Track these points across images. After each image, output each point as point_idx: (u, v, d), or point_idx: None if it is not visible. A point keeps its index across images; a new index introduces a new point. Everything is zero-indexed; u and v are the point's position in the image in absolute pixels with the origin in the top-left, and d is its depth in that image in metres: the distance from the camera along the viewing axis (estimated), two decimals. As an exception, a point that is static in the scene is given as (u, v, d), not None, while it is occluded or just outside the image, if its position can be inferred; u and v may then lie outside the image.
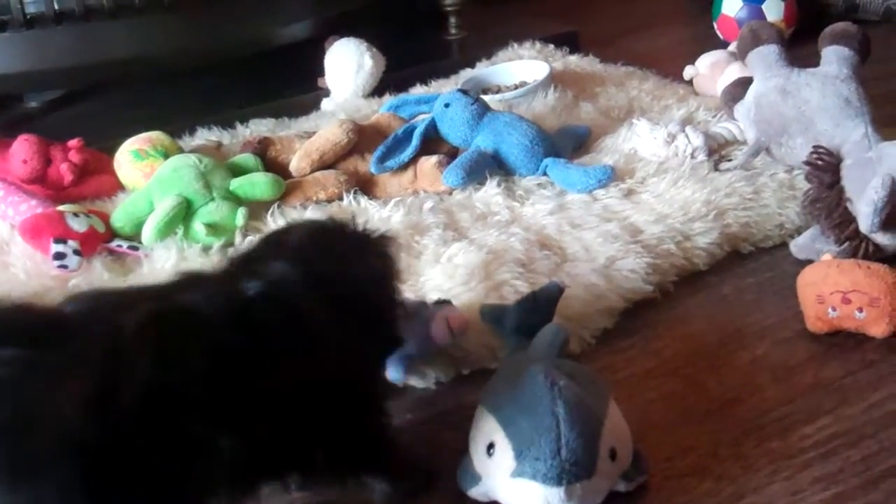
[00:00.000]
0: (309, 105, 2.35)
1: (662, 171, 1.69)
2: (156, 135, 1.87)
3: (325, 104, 2.35)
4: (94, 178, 1.89)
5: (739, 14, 2.47)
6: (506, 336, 1.29)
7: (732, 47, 2.19)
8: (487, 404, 1.05)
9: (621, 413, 1.09)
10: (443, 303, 1.29)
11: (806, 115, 1.59)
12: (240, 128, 2.21)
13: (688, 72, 2.20)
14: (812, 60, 1.68)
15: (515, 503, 1.01)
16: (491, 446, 1.02)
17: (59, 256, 1.55)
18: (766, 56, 1.67)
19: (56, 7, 2.16)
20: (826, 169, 1.47)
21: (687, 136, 1.74)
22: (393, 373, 1.28)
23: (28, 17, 2.14)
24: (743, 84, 1.75)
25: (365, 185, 1.77)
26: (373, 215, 1.66)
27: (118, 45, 2.25)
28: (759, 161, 1.68)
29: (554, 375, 1.03)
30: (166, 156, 1.81)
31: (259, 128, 2.20)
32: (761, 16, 2.42)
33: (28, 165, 1.83)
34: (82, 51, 2.22)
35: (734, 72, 2.01)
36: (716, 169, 1.68)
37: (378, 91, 2.34)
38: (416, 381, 1.29)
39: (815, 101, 1.58)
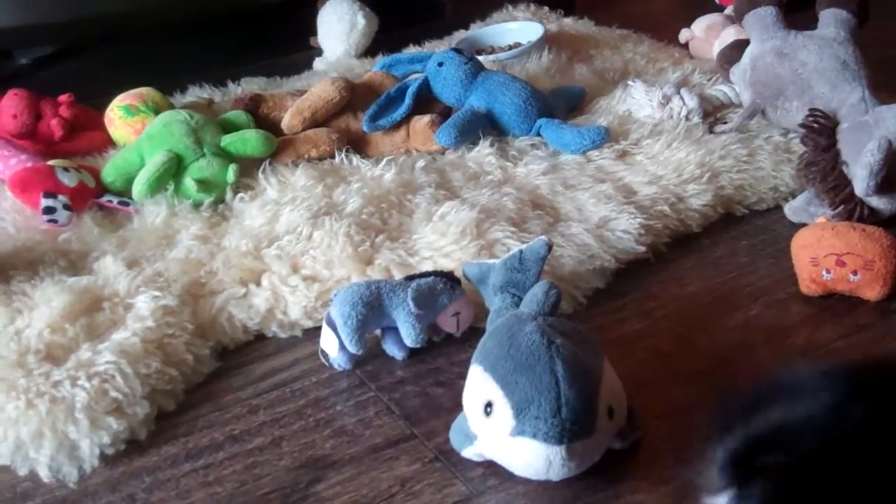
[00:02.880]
0: (301, 64, 2.33)
1: (657, 132, 1.68)
2: (147, 91, 1.85)
3: (318, 63, 2.33)
4: (85, 134, 1.87)
5: (736, -23, 2.44)
6: (489, 295, 1.28)
7: (729, 10, 2.18)
8: (483, 363, 1.05)
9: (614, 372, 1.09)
10: (454, 286, 1.28)
11: (802, 78, 1.58)
12: (231, 86, 2.19)
13: (683, 35, 2.18)
14: (808, 24, 1.67)
15: (514, 462, 1.01)
16: (488, 405, 1.01)
17: (49, 211, 1.54)
18: (763, 18, 1.66)
19: (46, -39, 2.13)
20: (822, 132, 1.46)
21: (682, 98, 1.73)
22: (393, 349, 1.28)
23: (18, -30, 2.11)
24: (739, 46, 1.74)
25: (357, 144, 1.76)
26: (365, 174, 1.64)
27: (107, 0, 2.22)
28: (754, 123, 1.67)
29: (550, 334, 1.02)
30: (157, 112, 1.79)
31: (251, 86, 2.17)
32: (758, -21, 2.40)
33: (18, 120, 1.81)
34: (73, 6, 2.20)
35: (730, 35, 2.00)
36: (710, 131, 1.68)
37: (371, 51, 2.32)
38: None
39: (812, 63, 1.57)
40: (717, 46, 2.02)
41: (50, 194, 1.56)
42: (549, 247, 1.26)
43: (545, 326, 1.05)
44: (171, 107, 1.84)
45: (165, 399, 1.22)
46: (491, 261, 1.32)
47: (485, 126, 1.72)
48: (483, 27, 2.36)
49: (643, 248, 1.43)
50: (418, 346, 1.26)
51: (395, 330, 1.28)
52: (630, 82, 1.82)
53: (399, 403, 1.20)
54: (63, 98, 1.87)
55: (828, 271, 1.28)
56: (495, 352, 1.05)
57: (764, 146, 1.62)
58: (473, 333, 1.29)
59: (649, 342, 1.27)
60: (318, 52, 2.36)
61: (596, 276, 1.38)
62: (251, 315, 1.35)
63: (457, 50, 1.82)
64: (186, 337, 1.30)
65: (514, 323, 1.08)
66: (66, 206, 1.56)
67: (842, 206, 1.41)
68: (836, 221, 1.35)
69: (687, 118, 1.71)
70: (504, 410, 1.00)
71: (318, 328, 1.33)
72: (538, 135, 1.71)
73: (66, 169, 1.62)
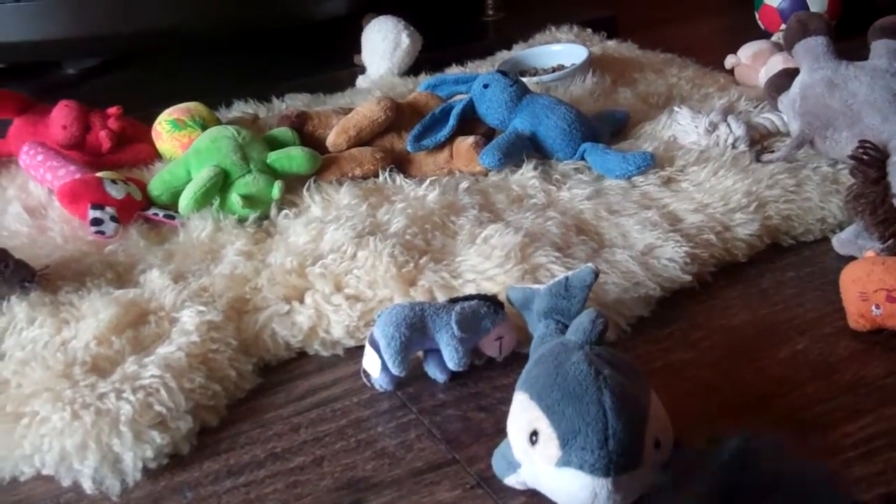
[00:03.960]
0: (344, 81, 2.34)
1: (703, 159, 1.67)
2: (194, 105, 1.87)
3: (361, 81, 2.34)
4: (132, 147, 1.89)
5: (782, 5, 2.43)
6: (532, 320, 1.28)
7: (776, 38, 2.17)
8: (528, 391, 1.04)
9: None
10: (497, 310, 1.27)
11: (853, 109, 1.56)
12: (275, 101, 2.20)
13: (729, 61, 2.17)
14: (856, 53, 1.66)
15: (559, 492, 1.00)
16: (534, 434, 1.00)
17: (97, 222, 1.55)
18: (814, 48, 1.65)
19: (99, -26, 2.16)
20: (872, 164, 1.44)
21: (728, 126, 1.72)
22: (435, 372, 1.29)
23: (71, -17, 2.14)
24: (788, 75, 1.73)
25: (400, 163, 1.76)
26: (408, 193, 1.65)
27: (158, 14, 2.24)
28: (801, 153, 1.65)
29: (598, 364, 1.02)
30: (204, 127, 1.81)
31: (295, 102, 2.19)
32: (804, 6, 2.39)
33: (67, 131, 1.83)
34: (122, 19, 2.21)
35: (777, 62, 1.99)
36: (757, 160, 1.66)
37: (413, 70, 2.33)
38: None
39: (862, 94, 1.56)
40: (764, 74, 2.01)
41: (98, 206, 1.57)
42: (596, 274, 1.25)
43: (592, 356, 1.04)
44: (218, 122, 1.86)
45: (208, 414, 1.23)
46: (535, 286, 1.31)
47: (528, 149, 1.72)
48: (526, 48, 2.37)
49: (689, 277, 1.42)
50: (461, 369, 1.26)
51: (438, 352, 1.28)
52: (676, 108, 1.81)
53: (440, 427, 1.20)
54: (112, 110, 1.89)
55: (877, 307, 1.26)
56: (541, 380, 1.05)
57: (812, 177, 1.60)
58: (516, 358, 1.29)
59: (694, 373, 1.26)
60: (361, 69, 2.37)
61: (640, 305, 1.37)
62: (294, 332, 1.36)
63: (502, 72, 1.82)
64: (230, 352, 1.30)
65: (560, 351, 1.08)
66: (113, 218, 1.57)
67: (891, 240, 1.40)
68: (886, 256, 1.34)
69: (733, 146, 1.70)
70: (550, 440, 0.99)
71: (360, 347, 1.33)
72: (582, 159, 1.71)
73: (114, 181, 1.63)
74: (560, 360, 1.05)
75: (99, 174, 1.66)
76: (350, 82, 2.34)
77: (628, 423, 0.98)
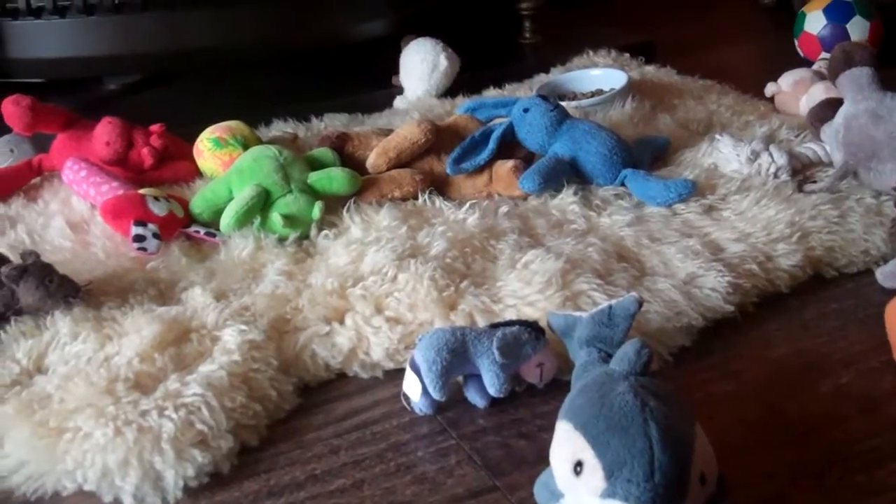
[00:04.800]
0: (382, 102, 2.36)
1: (745, 188, 1.67)
2: (236, 124, 1.89)
3: (399, 102, 2.35)
4: (173, 164, 1.91)
5: (822, 32, 2.43)
6: (574, 348, 1.27)
7: (817, 66, 2.16)
8: (572, 420, 1.03)
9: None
10: (538, 336, 1.27)
11: (898, 141, 1.56)
12: (314, 121, 2.22)
13: (769, 89, 2.17)
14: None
15: (604, 524, 1.00)
16: (578, 465, 1.00)
17: (139, 239, 1.56)
18: (859, 78, 1.64)
19: (145, -7, 2.18)
20: (917, 197, 1.44)
21: (771, 155, 1.72)
22: (475, 397, 1.28)
23: (116, 1, 2.16)
24: (831, 105, 1.73)
25: (439, 186, 1.77)
26: (448, 216, 1.65)
27: (200, 33, 2.27)
28: (845, 184, 1.65)
29: (643, 395, 1.01)
30: (245, 146, 1.82)
31: (333, 122, 2.20)
32: (846, 35, 2.38)
33: (110, 147, 1.85)
34: (165, 37, 2.24)
35: (818, 91, 1.98)
36: (800, 190, 1.65)
37: (451, 92, 2.34)
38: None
39: (908, 126, 1.55)
40: (805, 102, 2.00)
41: (140, 223, 1.58)
42: (640, 304, 1.25)
43: (638, 387, 1.04)
44: (259, 141, 1.87)
45: (249, 434, 1.23)
46: (577, 313, 1.31)
47: (568, 174, 1.72)
48: (565, 72, 2.37)
49: (731, 308, 1.41)
50: (502, 395, 1.25)
51: (478, 377, 1.27)
52: (717, 135, 1.81)
53: (481, 453, 1.20)
54: (155, 128, 1.91)
55: (923, 342, 1.25)
56: (586, 410, 1.04)
57: (855, 208, 1.59)
58: (556, 385, 1.28)
59: (736, 406, 1.25)
60: (399, 90, 2.38)
61: (682, 334, 1.36)
62: (334, 354, 1.36)
63: (542, 97, 1.82)
64: (271, 372, 1.31)
65: (605, 381, 1.07)
66: (155, 235, 1.58)
67: (937, 274, 1.39)
68: (931, 290, 1.33)
69: (775, 175, 1.69)
70: (595, 471, 0.98)
71: (400, 370, 1.33)
72: (622, 185, 1.71)
73: (156, 198, 1.64)
74: (605, 391, 1.05)
75: (141, 191, 1.68)
76: (388, 103, 2.35)
77: (674, 455, 0.98)
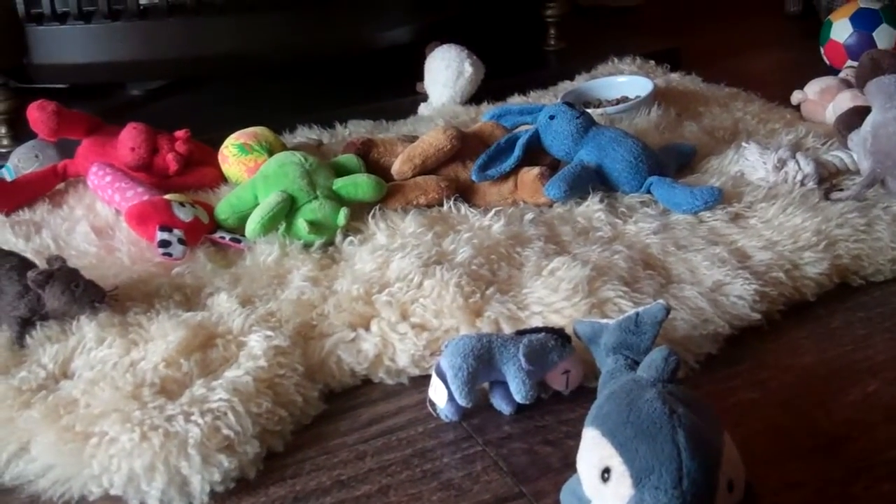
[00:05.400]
0: (406, 109, 2.36)
1: (771, 196, 1.66)
2: (261, 130, 1.89)
3: (423, 109, 2.35)
4: (198, 170, 1.91)
5: (849, 40, 2.42)
6: (600, 355, 1.27)
7: (843, 74, 2.15)
8: (600, 427, 1.03)
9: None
10: (564, 343, 1.27)
11: (926, 149, 1.54)
12: (339, 127, 2.22)
13: (796, 97, 2.16)
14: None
15: (632, 531, 0.99)
16: (606, 471, 0.99)
17: (164, 244, 1.57)
18: (887, 86, 1.63)
19: (169, -1, 2.19)
20: (946, 205, 1.43)
21: (797, 163, 1.71)
22: (501, 403, 1.28)
23: (141, 7, 2.17)
24: (858, 113, 1.72)
25: (465, 193, 1.77)
26: (473, 223, 1.65)
27: (224, 39, 2.27)
28: (872, 192, 1.64)
29: (671, 402, 1.01)
30: (270, 152, 1.83)
31: (357, 129, 2.21)
32: (872, 43, 2.37)
33: (135, 153, 1.86)
34: (190, 43, 2.25)
35: (845, 99, 1.97)
36: (826, 198, 1.65)
37: (476, 98, 2.34)
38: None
39: (937, 135, 1.54)
40: (831, 110, 1.99)
41: (166, 228, 1.59)
42: (667, 311, 1.24)
43: (665, 394, 1.03)
44: (284, 147, 1.88)
45: (274, 439, 1.23)
46: (603, 320, 1.31)
47: (594, 181, 1.72)
48: (589, 79, 2.37)
49: (758, 316, 1.40)
50: (528, 402, 1.25)
51: (504, 384, 1.27)
52: (744, 143, 1.80)
53: (507, 460, 1.19)
54: (179, 133, 1.92)
55: (953, 351, 1.24)
56: (614, 417, 1.03)
57: (882, 216, 1.58)
58: (582, 392, 1.28)
59: (763, 413, 1.24)
60: (424, 97, 2.39)
61: (709, 342, 1.36)
62: (359, 360, 1.36)
63: (568, 104, 1.82)
64: (297, 378, 1.31)
65: (632, 388, 1.06)
66: (180, 241, 1.58)
67: (966, 283, 1.38)
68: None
69: (802, 183, 1.68)
70: (623, 478, 0.98)
71: (425, 377, 1.33)
72: (648, 192, 1.70)
73: (181, 204, 1.65)
74: (633, 398, 1.04)
75: (167, 196, 1.68)
76: (412, 110, 2.36)
77: (702, 463, 0.97)
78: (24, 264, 1.44)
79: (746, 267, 1.48)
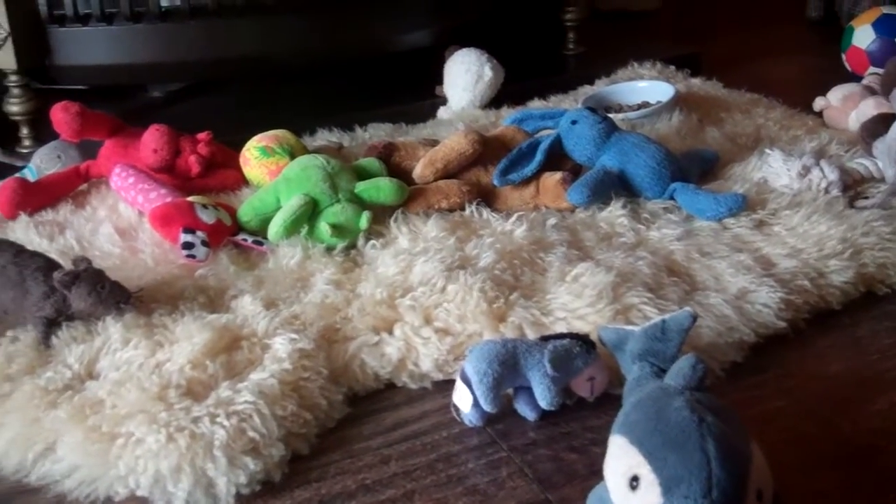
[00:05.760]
0: (425, 112, 2.36)
1: (795, 203, 1.66)
2: (282, 133, 1.89)
3: (442, 112, 2.35)
4: (219, 172, 1.91)
5: (871, 47, 2.41)
6: (626, 362, 1.27)
7: (866, 81, 2.15)
8: (628, 435, 1.03)
9: (759, 452, 1.06)
10: (590, 350, 1.27)
11: (953, 157, 1.54)
12: (358, 131, 2.22)
13: (818, 103, 2.15)
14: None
15: (662, 539, 0.99)
16: (634, 479, 0.99)
17: (188, 246, 1.57)
18: (913, 93, 1.62)
19: (190, 1, 2.19)
20: (973, 214, 1.42)
21: (822, 170, 1.70)
22: (525, 409, 1.28)
23: (163, 9, 2.18)
24: (883, 120, 1.71)
25: (486, 197, 1.76)
26: (495, 228, 1.65)
27: (245, 42, 2.28)
28: (897, 200, 1.63)
29: (700, 410, 1.00)
30: (292, 155, 1.83)
31: (377, 132, 2.21)
32: (894, 49, 2.35)
33: (158, 155, 1.86)
34: (210, 45, 2.25)
35: (869, 107, 1.96)
36: (851, 206, 1.64)
37: (495, 102, 2.34)
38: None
39: (963, 143, 1.54)
40: (855, 117, 1.98)
41: (189, 230, 1.59)
42: (694, 319, 1.23)
43: (694, 402, 1.03)
44: (306, 150, 1.88)
45: (299, 442, 1.23)
46: (628, 327, 1.30)
47: (617, 187, 1.71)
48: (610, 84, 2.36)
49: (783, 324, 1.40)
50: (553, 408, 1.25)
51: (528, 390, 1.27)
52: (767, 150, 1.80)
53: (532, 466, 1.19)
54: (202, 136, 1.92)
55: (982, 361, 1.23)
56: (642, 425, 1.03)
57: (908, 224, 1.58)
58: (607, 399, 1.28)
59: (790, 422, 1.24)
60: (443, 100, 2.39)
61: (734, 350, 1.35)
62: (383, 364, 1.36)
63: (591, 109, 1.82)
64: (321, 381, 1.31)
65: (660, 396, 1.06)
66: (204, 243, 1.59)
67: None
68: None
69: (826, 191, 1.68)
70: (652, 486, 0.97)
71: (448, 381, 1.33)
72: (671, 198, 1.70)
73: (204, 206, 1.65)
74: (661, 405, 1.04)
75: (190, 198, 1.68)
76: (431, 113, 2.36)
77: (732, 472, 0.97)
78: (49, 265, 1.44)
79: (771, 275, 1.47)
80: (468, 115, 2.28)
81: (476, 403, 1.24)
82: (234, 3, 2.21)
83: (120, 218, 1.79)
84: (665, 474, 0.97)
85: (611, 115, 1.99)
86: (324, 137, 2.17)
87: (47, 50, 2.21)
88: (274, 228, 1.62)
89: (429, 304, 1.42)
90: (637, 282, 1.45)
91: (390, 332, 1.40)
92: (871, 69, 2.35)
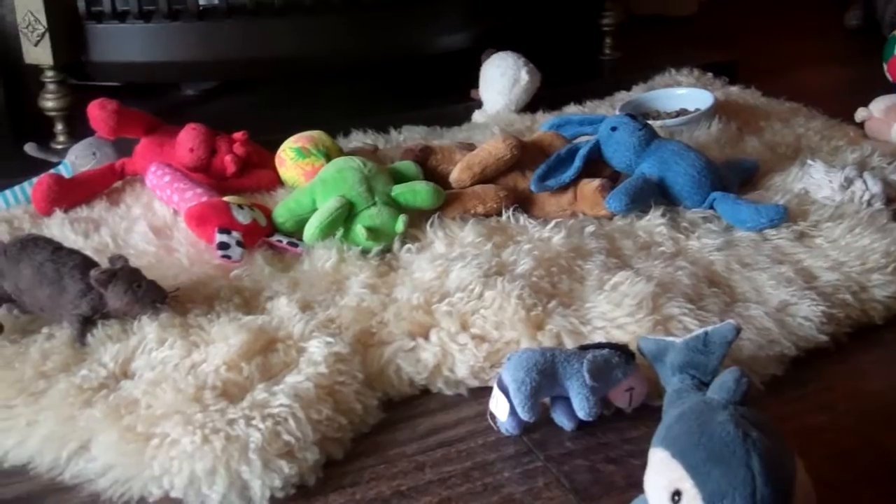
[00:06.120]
0: (460, 116, 2.35)
1: (838, 216, 1.64)
2: (318, 134, 1.89)
3: (477, 116, 2.34)
4: (255, 172, 1.91)
5: (914, 58, 2.38)
6: (665, 373, 1.25)
7: (911, 92, 2.12)
8: (670, 448, 1.01)
9: (802, 469, 1.04)
10: (629, 360, 1.25)
11: None
12: (393, 133, 2.21)
13: (860, 114, 2.12)
14: None
15: (703, 555, 0.97)
16: (676, 494, 0.97)
17: (223, 246, 1.57)
18: (960, 106, 1.60)
19: (228, 0, 2.19)
20: None
21: (865, 182, 1.68)
22: (562, 419, 1.27)
23: (201, 8, 2.18)
24: (928, 132, 1.68)
25: (523, 203, 1.75)
26: (532, 234, 1.63)
27: (281, 41, 2.27)
28: (942, 215, 1.61)
29: (745, 426, 0.99)
30: (327, 156, 1.82)
31: (412, 135, 2.20)
32: (938, 61, 2.33)
33: (194, 154, 1.86)
34: (246, 45, 2.25)
35: (912, 118, 1.94)
36: (895, 219, 1.61)
37: (531, 107, 2.32)
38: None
39: None
40: (898, 129, 1.96)
41: (224, 230, 1.59)
42: (738, 331, 1.21)
43: (738, 417, 1.01)
44: (341, 152, 1.87)
45: (334, 447, 1.22)
46: (668, 338, 1.28)
47: (656, 195, 1.70)
48: (647, 90, 2.34)
49: (825, 338, 1.38)
50: (591, 419, 1.23)
51: (566, 399, 1.25)
52: (809, 161, 1.77)
53: (569, 477, 1.17)
54: (238, 135, 1.91)
55: None
56: (684, 438, 1.01)
57: (953, 239, 1.55)
58: (645, 411, 1.26)
59: (831, 438, 1.22)
60: (478, 104, 2.37)
61: (775, 363, 1.33)
62: (419, 369, 1.35)
63: (631, 115, 1.80)
64: (356, 386, 1.30)
65: (703, 409, 1.04)
66: (239, 243, 1.58)
67: None
68: None
69: (869, 203, 1.66)
70: (695, 501, 0.96)
71: (484, 388, 1.32)
72: (711, 208, 1.68)
73: (240, 206, 1.65)
74: (704, 419, 1.02)
75: (226, 198, 1.68)
76: (466, 117, 2.35)
77: (777, 488, 0.95)
78: (86, 263, 1.44)
79: (813, 287, 1.45)
80: (503, 119, 2.27)
81: (513, 412, 1.22)
82: (272, 3, 2.21)
83: (155, 216, 1.78)
84: (708, 489, 0.95)
85: (649, 122, 1.97)
86: (358, 139, 2.16)
87: (84, 46, 2.21)
88: (310, 230, 1.61)
89: (465, 311, 1.41)
90: (677, 292, 1.43)
91: (426, 338, 1.39)
92: (914, 80, 2.33)
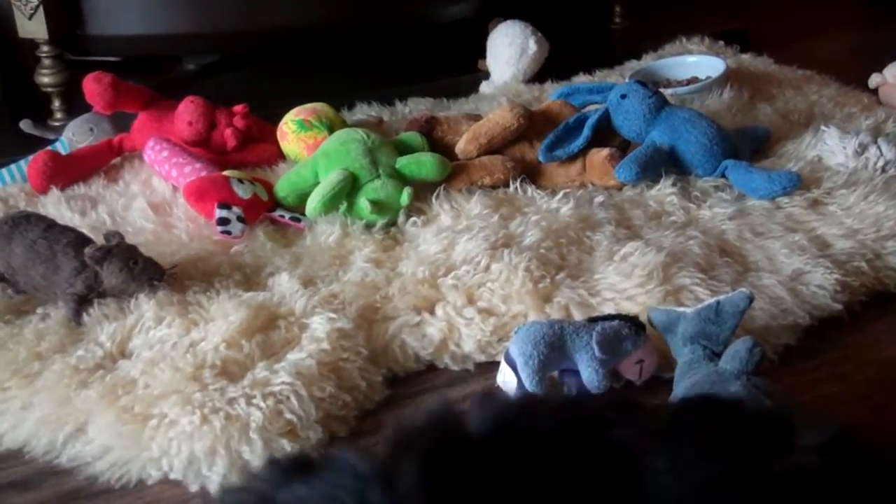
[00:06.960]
0: (467, 86, 2.30)
1: (851, 182, 1.60)
2: (320, 106, 1.85)
3: (484, 87, 2.29)
4: (256, 146, 1.87)
5: (929, 21, 2.32)
6: (676, 344, 1.22)
7: (925, 56, 2.07)
8: (683, 420, 0.98)
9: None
10: (639, 332, 1.22)
11: None
12: (398, 105, 2.17)
13: (874, 80, 2.08)
14: None
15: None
16: (690, 467, 0.95)
17: (223, 222, 1.53)
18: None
19: (226, -29, 2.15)
20: None
21: (879, 148, 1.64)
22: (572, 392, 1.23)
23: (199, -22, 2.14)
24: (944, 97, 1.64)
25: (531, 173, 1.71)
26: (540, 206, 1.59)
27: (282, 11, 2.23)
28: (958, 181, 1.57)
29: (757, 395, 0.96)
30: (330, 128, 1.78)
31: (418, 106, 2.15)
32: (954, 24, 2.27)
33: (193, 128, 1.82)
34: (247, 16, 2.21)
35: (927, 83, 1.89)
36: (911, 186, 1.58)
37: (539, 77, 2.27)
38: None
39: None
40: (912, 94, 1.91)
41: (224, 205, 1.55)
42: (751, 300, 1.18)
43: (751, 387, 0.99)
44: (344, 124, 1.84)
45: (337, 425, 1.20)
46: (679, 308, 1.25)
47: (666, 163, 1.66)
48: (658, 59, 2.30)
49: (839, 306, 1.34)
50: (600, 391, 1.20)
51: (575, 372, 1.22)
52: (823, 127, 1.73)
53: (578, 452, 1.14)
54: (238, 108, 1.87)
55: None
56: (697, 411, 0.99)
57: (970, 206, 1.51)
58: (655, 382, 1.23)
59: (846, 409, 1.19)
60: (485, 74, 2.33)
61: (787, 333, 1.30)
62: (424, 344, 1.32)
63: (641, 83, 1.76)
64: (360, 362, 1.27)
65: (716, 380, 1.02)
66: (239, 219, 1.55)
67: None
68: None
69: (883, 169, 1.61)
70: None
71: (491, 363, 1.30)
72: (723, 176, 1.64)
73: (240, 181, 1.61)
74: (717, 390, 1.00)
75: (226, 173, 1.65)
76: (473, 87, 2.30)
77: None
78: (80, 240, 1.41)
79: (827, 255, 1.42)
80: (511, 89, 2.22)
81: (521, 386, 1.20)
82: (272, -26, 2.17)
83: (153, 193, 1.75)
84: (722, 464, 0.93)
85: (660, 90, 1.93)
86: (363, 111, 2.12)
87: (80, 19, 2.16)
88: (312, 204, 1.58)
89: (472, 284, 1.38)
90: (688, 262, 1.39)
91: (432, 312, 1.35)
92: (929, 45, 2.27)
